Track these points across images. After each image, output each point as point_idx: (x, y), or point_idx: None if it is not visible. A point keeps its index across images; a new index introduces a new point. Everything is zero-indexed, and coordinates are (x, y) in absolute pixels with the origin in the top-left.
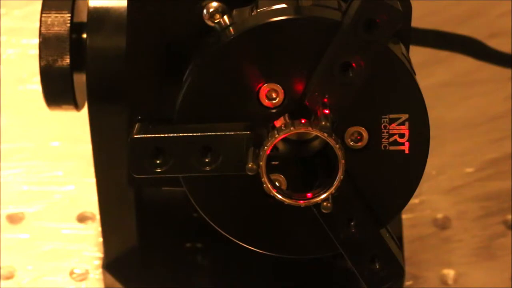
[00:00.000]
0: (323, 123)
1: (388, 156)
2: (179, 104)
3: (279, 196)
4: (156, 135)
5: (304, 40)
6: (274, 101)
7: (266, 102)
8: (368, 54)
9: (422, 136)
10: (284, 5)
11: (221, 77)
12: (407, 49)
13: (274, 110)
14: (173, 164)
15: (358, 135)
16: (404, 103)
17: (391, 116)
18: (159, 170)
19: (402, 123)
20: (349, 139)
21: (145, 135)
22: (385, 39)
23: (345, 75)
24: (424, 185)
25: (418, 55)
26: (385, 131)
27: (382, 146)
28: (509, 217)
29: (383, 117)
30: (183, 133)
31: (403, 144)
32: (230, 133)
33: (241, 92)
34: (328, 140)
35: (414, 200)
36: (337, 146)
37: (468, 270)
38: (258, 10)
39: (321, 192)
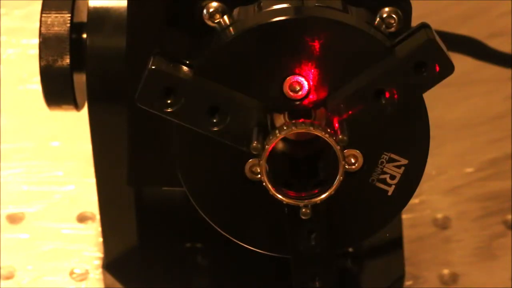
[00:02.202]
0: (341, 136)
1: (371, 190)
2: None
3: (279, 196)
4: (174, 75)
5: (305, 40)
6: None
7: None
8: (405, 93)
9: (411, 183)
10: (285, 5)
11: (221, 77)
12: None
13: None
14: (180, 108)
15: (353, 158)
16: (411, 150)
17: (393, 156)
18: (165, 110)
19: (398, 167)
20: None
21: (164, 70)
22: (426, 86)
23: (376, 101)
24: (424, 185)
25: None
26: (380, 166)
27: (371, 179)
28: (509, 217)
29: (385, 153)
30: (199, 81)
31: (390, 185)
32: (243, 96)
33: (240, 92)
34: (329, 141)
35: (414, 200)
36: (338, 147)
37: (468, 270)
38: (260, 10)
39: (320, 193)
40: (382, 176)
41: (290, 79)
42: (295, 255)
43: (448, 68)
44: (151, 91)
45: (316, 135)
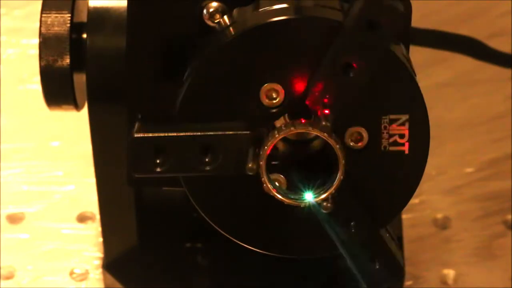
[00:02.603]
0: (323, 123)
1: (388, 156)
2: (179, 103)
3: (279, 196)
4: (156, 134)
5: (304, 40)
6: (274, 101)
7: (266, 101)
8: (369, 55)
9: (422, 136)
10: (284, 5)
11: (221, 77)
12: (407, 49)
13: (274, 110)
14: (173, 163)
15: (358, 136)
16: (404, 103)
17: (392, 116)
18: (159, 170)
19: (402, 124)
20: (349, 139)
21: (145, 134)
22: (386, 41)
23: (346, 75)
24: (424, 185)
25: (418, 55)
26: (385, 131)
27: (382, 146)
28: (509, 217)
29: (383, 117)
30: (183, 132)
31: (403, 144)
32: (230, 132)
33: (241, 92)
34: (328, 140)
35: (414, 200)
36: (337, 146)
37: (468, 270)
38: (259, 10)
39: (321, 192)
40: (392, 139)
41: (264, 88)
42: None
43: (396, 13)
44: (140, 157)
45: (316, 135)
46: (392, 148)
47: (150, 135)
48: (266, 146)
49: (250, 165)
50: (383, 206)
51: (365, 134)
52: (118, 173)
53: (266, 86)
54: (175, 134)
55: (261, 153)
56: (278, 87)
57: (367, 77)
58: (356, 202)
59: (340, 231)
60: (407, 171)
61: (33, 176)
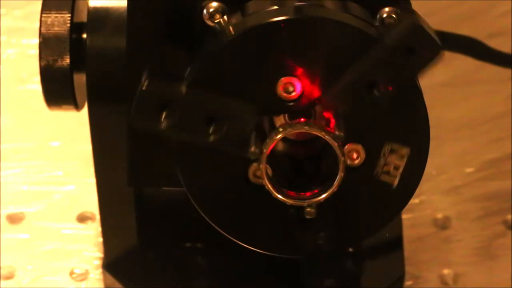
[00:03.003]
0: (337, 132)
1: (377, 184)
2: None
3: (279, 196)
4: (166, 91)
5: (304, 40)
6: (290, 95)
7: (283, 95)
8: (398, 82)
9: (415, 174)
10: (285, 5)
11: (221, 77)
12: None
13: (291, 104)
14: (177, 123)
15: (355, 153)
16: (411, 138)
17: (394, 146)
18: (161, 127)
19: (401, 157)
20: (346, 155)
21: (154, 89)
22: (418, 71)
23: (369, 92)
24: (424, 185)
25: None
26: (383, 158)
27: (375, 172)
28: (509, 217)
29: (386, 144)
30: (193, 94)
31: (394, 177)
32: (239, 103)
33: (240, 92)
34: (327, 140)
35: (414, 200)
36: (336, 144)
37: (468, 270)
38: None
39: (321, 192)
40: (386, 168)
41: (283, 81)
42: (303, 255)
43: (435, 50)
44: (144, 111)
45: (316, 134)
46: (382, 177)
47: (159, 90)
48: (265, 148)
49: (252, 149)
50: (356, 227)
51: (362, 155)
52: (118, 173)
53: (284, 79)
54: (183, 94)
55: (262, 152)
56: (296, 81)
57: (387, 101)
58: (332, 217)
59: (308, 239)
60: (388, 202)
61: (33, 176)
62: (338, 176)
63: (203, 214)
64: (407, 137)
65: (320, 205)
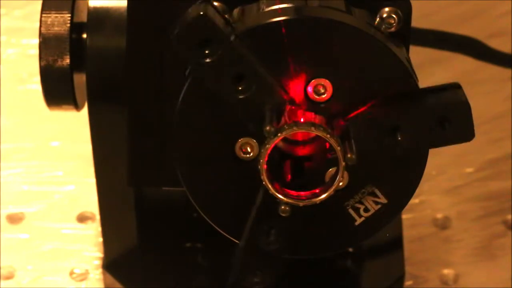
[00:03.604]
0: (349, 155)
1: (341, 213)
2: (179, 103)
3: (279, 196)
4: (220, 26)
5: (304, 40)
6: (323, 96)
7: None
8: (420, 140)
9: (378, 224)
10: (286, 5)
11: (255, 52)
12: (407, 49)
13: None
14: (212, 63)
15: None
16: (394, 192)
17: (376, 191)
18: (198, 60)
19: (377, 203)
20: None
21: (212, 19)
22: (442, 143)
23: (389, 136)
24: (424, 185)
25: (418, 55)
26: (360, 195)
27: (345, 203)
28: (509, 217)
29: (370, 185)
30: (239, 45)
31: (360, 216)
32: (271, 77)
33: (283, 71)
34: (329, 141)
35: (414, 200)
36: (338, 148)
37: (468, 270)
38: (264, 10)
39: (321, 192)
40: (358, 205)
41: (316, 81)
42: (304, 255)
43: (469, 134)
44: (192, 36)
45: (316, 135)
46: (350, 211)
47: (214, 21)
48: (268, 145)
49: (268, 128)
50: (307, 241)
51: (344, 182)
52: (118, 173)
53: (318, 79)
54: (231, 39)
55: (262, 151)
56: (330, 87)
57: (400, 152)
58: (292, 222)
59: (257, 230)
60: (345, 234)
61: (33, 176)
62: (337, 180)
63: (203, 214)
64: (392, 190)
65: (295, 207)
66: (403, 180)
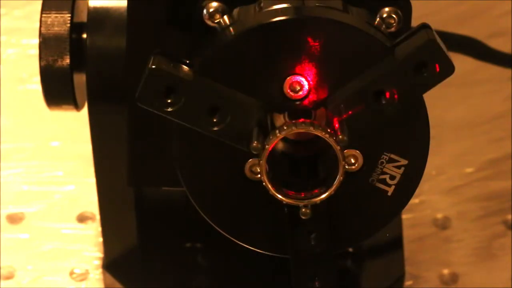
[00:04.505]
0: (341, 137)
1: (371, 190)
2: None
3: (279, 196)
4: (174, 74)
5: (304, 40)
6: (297, 94)
7: (290, 94)
8: (407, 95)
9: (410, 185)
10: (285, 5)
11: (221, 76)
12: None
13: (297, 103)
14: (180, 108)
15: (353, 159)
16: (410, 150)
17: (393, 156)
18: (165, 110)
19: (398, 167)
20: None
21: (164, 69)
22: (426, 87)
23: (376, 101)
24: (424, 185)
25: None
26: (380, 166)
27: (370, 179)
28: (509, 217)
29: (385, 153)
30: (200, 81)
31: (389, 186)
32: (243, 96)
33: (240, 92)
34: (329, 141)
35: (414, 200)
36: (338, 148)
37: (468, 270)
38: (261, 10)
39: (321, 192)
40: (382, 176)
41: (290, 79)
42: (295, 255)
43: (448, 69)
44: (151, 90)
45: (316, 135)
46: (378, 185)
47: (168, 71)
48: (267, 145)
49: (254, 144)
50: (348, 231)
51: (360, 160)
52: (118, 173)
53: (292, 77)
54: (191, 79)
55: (262, 152)
56: (304, 80)
57: (394, 111)
58: (325, 219)
59: (299, 239)
60: (382, 209)
61: (33, 176)
62: (337, 179)
63: (203, 214)
64: (407, 149)
65: (315, 206)
66: (412, 134)
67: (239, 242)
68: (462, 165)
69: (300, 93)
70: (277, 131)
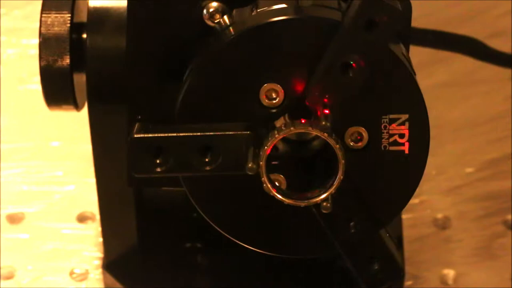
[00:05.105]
0: (323, 123)
1: (388, 156)
2: (179, 104)
3: (279, 196)
4: (156, 135)
5: (304, 40)
6: (274, 101)
7: (266, 102)
8: (368, 55)
9: (422, 136)
10: (283, 5)
11: (221, 77)
12: (407, 49)
13: (274, 110)
14: (173, 163)
15: (358, 135)
16: (404, 103)
17: (391, 116)
18: (159, 170)
19: (402, 123)
20: (349, 139)
21: (145, 135)
22: (385, 39)
23: (345, 75)
24: (424, 185)
25: (418, 55)
26: (385, 131)
27: (382, 146)
28: (509, 217)
29: (383, 117)
30: (183, 132)
31: (403, 144)
32: (230, 132)
33: (241, 92)
34: (328, 140)
35: (414, 200)
36: (337, 146)
37: (468, 270)
38: (258, 10)
39: (321, 192)
40: (392, 139)
41: (264, 89)
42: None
43: (395, 12)
44: (140, 157)
45: (316, 135)
46: (392, 148)
47: (150, 135)
48: (266, 146)
49: (250, 165)
50: (383, 205)
51: (365, 134)
52: (118, 173)
53: (266, 86)
54: (175, 134)
55: (261, 153)
56: (278, 87)
57: (366, 76)
58: (356, 202)
59: (339, 232)
60: (407, 171)
61: (33, 176)
62: (337, 178)
63: (203, 214)
64: (401, 105)
65: (338, 196)
66: (402, 86)
67: (239, 242)
68: (462, 165)
69: (277, 99)
70: (275, 132)
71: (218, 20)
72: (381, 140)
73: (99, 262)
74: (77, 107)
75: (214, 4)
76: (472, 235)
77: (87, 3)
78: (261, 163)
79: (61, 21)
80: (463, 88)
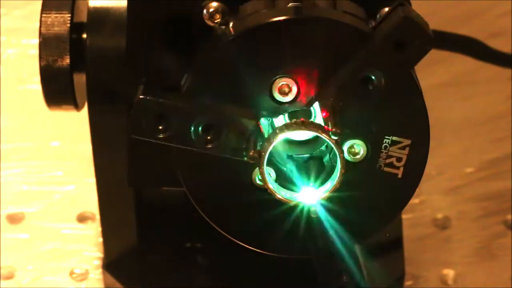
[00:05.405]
0: (334, 129)
1: (380, 176)
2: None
3: (279, 196)
4: (163, 101)
5: (305, 40)
6: (286, 96)
7: (277, 95)
8: (391, 74)
9: (419, 164)
10: (290, 4)
11: (221, 77)
12: None
13: (284, 105)
14: (174, 133)
15: (357, 149)
16: (411, 129)
17: (394, 138)
18: (159, 136)
19: (403, 148)
20: (347, 150)
21: (152, 98)
22: (411, 63)
23: (364, 88)
24: (424, 185)
25: None
26: (384, 151)
27: (377, 165)
28: (509, 217)
29: (386, 137)
30: (189, 102)
31: (398, 168)
32: (238, 116)
33: (237, 96)
34: (334, 147)
35: (414, 200)
36: (342, 155)
37: (468, 270)
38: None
39: (322, 191)
40: (389, 160)
41: (278, 82)
42: (304, 255)
43: (428, 42)
44: (143, 121)
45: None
46: (386, 169)
47: (157, 99)
48: (273, 139)
49: (251, 153)
50: (366, 221)
51: (363, 149)
52: (118, 173)
53: (279, 79)
54: (181, 104)
55: (265, 144)
56: (291, 82)
57: (383, 94)
58: (339, 214)
59: (317, 241)
60: (395, 194)
61: (33, 176)
62: (338, 173)
63: (203, 214)
64: (407, 129)
65: (326, 204)
66: (410, 110)
67: (239, 242)
68: (462, 165)
69: (290, 95)
70: (277, 131)
71: (218, 20)
72: (378, 159)
73: (99, 262)
74: (77, 107)
75: (214, 4)
76: (472, 235)
77: (87, 3)
78: (263, 153)
79: (61, 21)
80: (463, 88)
